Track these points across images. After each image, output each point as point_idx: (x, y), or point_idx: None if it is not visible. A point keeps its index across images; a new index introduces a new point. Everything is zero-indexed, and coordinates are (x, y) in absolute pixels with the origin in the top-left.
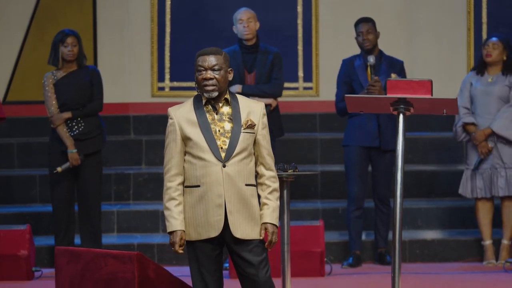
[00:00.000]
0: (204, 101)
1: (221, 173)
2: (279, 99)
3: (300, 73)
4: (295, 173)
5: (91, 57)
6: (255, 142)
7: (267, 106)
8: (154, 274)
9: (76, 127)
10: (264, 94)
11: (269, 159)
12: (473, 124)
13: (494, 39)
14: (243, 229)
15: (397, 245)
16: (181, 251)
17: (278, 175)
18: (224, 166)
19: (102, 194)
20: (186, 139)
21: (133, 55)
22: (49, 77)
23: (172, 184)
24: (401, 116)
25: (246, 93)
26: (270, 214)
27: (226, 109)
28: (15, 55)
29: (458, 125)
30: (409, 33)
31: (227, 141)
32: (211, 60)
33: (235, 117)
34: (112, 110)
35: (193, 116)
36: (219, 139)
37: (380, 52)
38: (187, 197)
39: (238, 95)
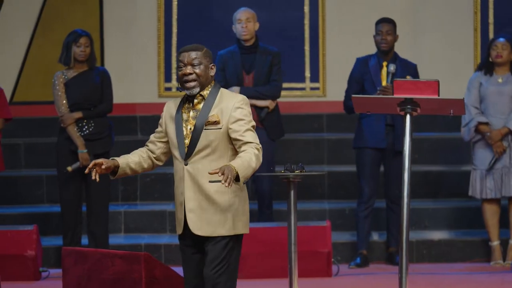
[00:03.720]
0: (186, 98)
1: (183, 171)
2: (285, 99)
3: (307, 73)
4: (302, 173)
5: (98, 57)
6: (230, 137)
7: (264, 108)
8: (161, 274)
9: (86, 127)
10: (262, 96)
11: (249, 139)
12: (486, 123)
13: (502, 39)
14: (205, 227)
15: (404, 246)
16: (90, 167)
17: (285, 175)
18: (186, 164)
19: (110, 195)
20: (167, 135)
21: (140, 55)
22: (60, 76)
23: (143, 147)
24: (408, 117)
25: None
26: (236, 162)
27: (201, 106)
28: (21, 55)
29: (471, 125)
30: (415, 32)
31: None
32: (191, 55)
33: (202, 114)
34: (119, 111)
35: (174, 112)
36: (188, 137)
37: (395, 54)
38: None
39: (223, 90)
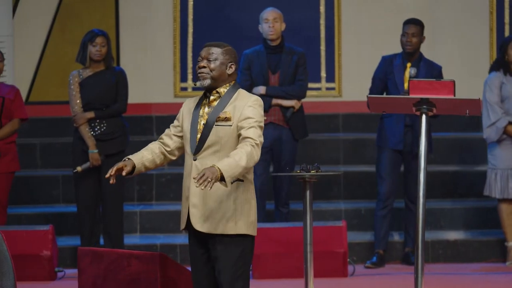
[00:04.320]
0: (204, 94)
1: (191, 166)
2: (302, 99)
3: (323, 74)
4: (317, 173)
5: (113, 57)
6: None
7: (290, 108)
8: (177, 274)
9: (98, 127)
10: (288, 95)
11: (249, 135)
12: None
13: None
14: (207, 224)
15: (420, 246)
16: (111, 174)
17: (301, 175)
18: (195, 159)
19: (124, 195)
20: (183, 130)
21: (156, 55)
22: (75, 75)
23: (156, 141)
24: (423, 117)
25: (269, 94)
26: (222, 162)
27: (216, 103)
28: (37, 55)
29: (500, 125)
30: (431, 32)
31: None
32: (210, 50)
33: (215, 110)
34: (135, 111)
35: (193, 107)
36: (200, 132)
37: (420, 55)
38: None
39: (241, 91)
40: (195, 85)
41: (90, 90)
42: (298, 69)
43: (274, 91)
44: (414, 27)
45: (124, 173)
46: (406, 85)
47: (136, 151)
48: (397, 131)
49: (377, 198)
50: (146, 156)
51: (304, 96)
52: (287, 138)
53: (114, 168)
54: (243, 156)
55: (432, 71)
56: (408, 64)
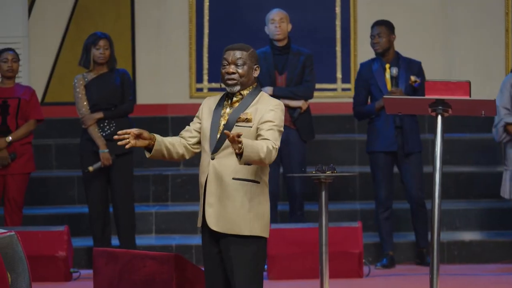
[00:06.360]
0: (226, 95)
1: (209, 165)
2: (316, 100)
3: (338, 74)
4: (333, 174)
5: (129, 58)
6: (258, 135)
7: (297, 108)
8: (192, 275)
9: (107, 127)
10: (295, 96)
11: (269, 137)
12: None
13: None
14: (222, 223)
15: (435, 247)
16: (127, 134)
17: (316, 176)
18: (213, 158)
19: (134, 194)
20: (201, 126)
21: (171, 56)
22: (80, 79)
23: (176, 136)
24: (439, 118)
25: (277, 95)
26: (249, 141)
27: (238, 104)
28: (53, 57)
29: (499, 126)
30: (447, 33)
31: None
32: (236, 54)
33: (236, 111)
34: (150, 111)
35: (213, 107)
36: (220, 132)
37: (397, 54)
38: None
39: (264, 94)
40: (220, 86)
41: (96, 92)
42: (305, 70)
43: (282, 91)
44: (378, 28)
45: (135, 132)
46: (389, 86)
47: None
48: (389, 133)
49: (377, 202)
50: (167, 139)
51: (311, 96)
52: (294, 139)
53: (123, 131)
54: (264, 148)
55: (412, 67)
56: (387, 65)
